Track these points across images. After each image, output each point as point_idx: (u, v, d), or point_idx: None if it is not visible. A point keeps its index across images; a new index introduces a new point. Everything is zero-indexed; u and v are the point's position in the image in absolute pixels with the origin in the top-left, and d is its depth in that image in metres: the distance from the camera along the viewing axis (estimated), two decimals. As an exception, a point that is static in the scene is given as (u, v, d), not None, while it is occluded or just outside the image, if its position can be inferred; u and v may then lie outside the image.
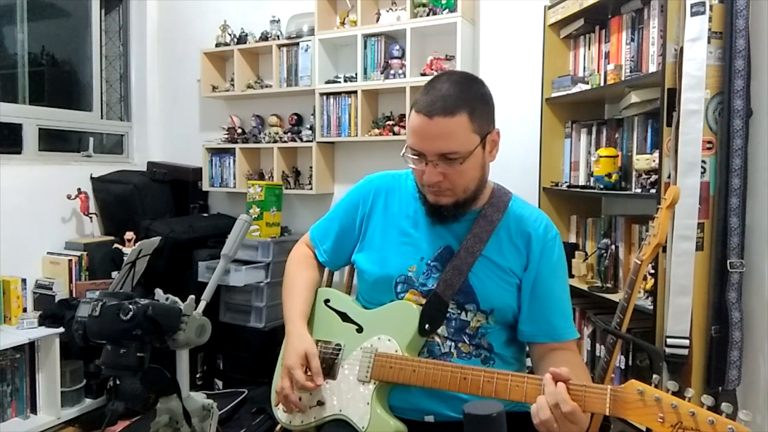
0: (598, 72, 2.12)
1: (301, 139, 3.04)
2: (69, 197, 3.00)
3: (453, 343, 1.23)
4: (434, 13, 2.61)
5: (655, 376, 0.98)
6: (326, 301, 1.38)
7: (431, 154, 1.14)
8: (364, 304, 1.35)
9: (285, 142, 3.07)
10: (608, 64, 2.06)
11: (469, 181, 1.20)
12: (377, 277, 1.30)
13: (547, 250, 1.25)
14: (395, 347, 1.21)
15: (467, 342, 1.23)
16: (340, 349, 1.28)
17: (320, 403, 1.24)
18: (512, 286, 1.24)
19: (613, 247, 2.00)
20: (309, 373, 1.23)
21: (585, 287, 2.04)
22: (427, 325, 1.21)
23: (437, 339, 1.23)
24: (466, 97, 1.14)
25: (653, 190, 1.75)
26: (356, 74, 2.81)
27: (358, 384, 1.21)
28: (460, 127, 1.13)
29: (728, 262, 1.64)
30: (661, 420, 0.89)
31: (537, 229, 1.26)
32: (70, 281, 2.82)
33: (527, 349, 1.33)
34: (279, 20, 3.11)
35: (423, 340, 1.23)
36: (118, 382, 2.63)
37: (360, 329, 1.29)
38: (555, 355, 1.21)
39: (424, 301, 1.24)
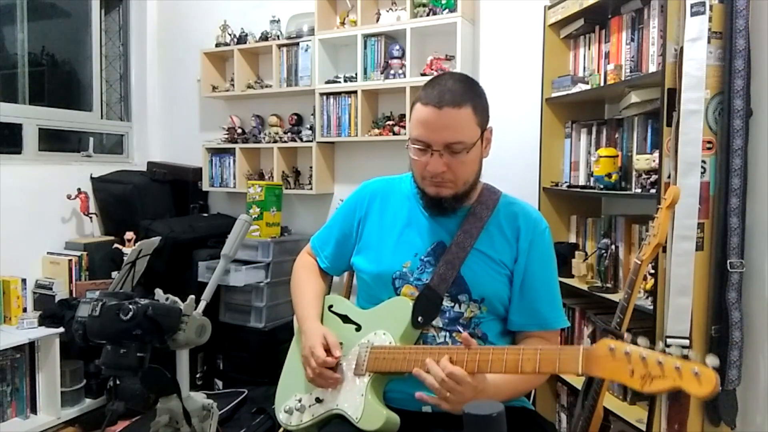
0: (598, 72, 2.12)
1: (301, 139, 3.04)
2: (69, 197, 3.00)
3: (447, 333, 1.25)
4: (434, 13, 2.61)
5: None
6: (330, 307, 1.42)
7: (438, 144, 1.19)
8: (365, 304, 1.38)
9: (285, 142, 3.07)
10: (608, 64, 2.05)
11: (470, 174, 1.25)
12: (374, 275, 1.34)
13: (537, 242, 1.29)
14: (389, 339, 1.24)
15: (461, 332, 1.24)
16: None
17: (319, 401, 1.26)
18: (503, 277, 1.28)
19: (613, 247, 2.00)
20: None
21: (585, 287, 2.04)
22: (420, 318, 1.24)
23: (432, 330, 1.26)
24: (470, 92, 1.22)
25: (653, 190, 1.75)
26: (356, 74, 2.81)
27: (355, 378, 1.23)
28: (466, 118, 1.19)
29: (728, 262, 1.64)
30: (631, 373, 0.91)
31: (527, 223, 1.31)
32: (70, 281, 2.82)
33: None
34: (279, 20, 3.11)
35: (417, 333, 1.25)
36: (118, 382, 2.63)
37: (359, 328, 1.32)
38: (527, 340, 1.27)
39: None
